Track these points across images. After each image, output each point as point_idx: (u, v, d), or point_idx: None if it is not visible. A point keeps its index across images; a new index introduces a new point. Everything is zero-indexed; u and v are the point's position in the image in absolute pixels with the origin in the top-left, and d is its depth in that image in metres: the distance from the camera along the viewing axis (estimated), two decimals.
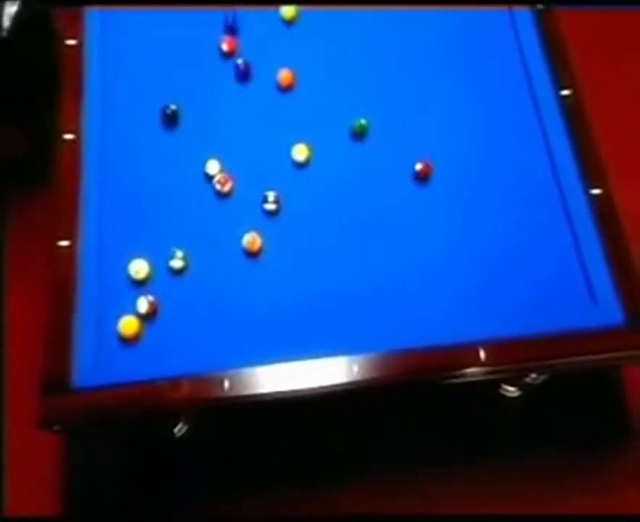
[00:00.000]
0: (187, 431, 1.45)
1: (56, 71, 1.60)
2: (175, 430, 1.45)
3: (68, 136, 1.40)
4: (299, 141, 1.41)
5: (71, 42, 1.51)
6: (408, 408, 1.51)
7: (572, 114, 1.40)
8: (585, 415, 1.58)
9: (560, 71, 1.46)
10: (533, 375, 1.35)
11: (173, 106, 1.44)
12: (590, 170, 1.34)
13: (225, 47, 1.52)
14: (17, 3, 1.61)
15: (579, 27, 1.63)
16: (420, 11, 1.55)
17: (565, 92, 1.42)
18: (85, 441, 1.52)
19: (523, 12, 1.55)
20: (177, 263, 1.29)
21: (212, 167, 1.37)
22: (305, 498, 1.47)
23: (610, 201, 1.31)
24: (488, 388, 1.44)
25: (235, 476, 1.52)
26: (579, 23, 1.67)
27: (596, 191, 1.32)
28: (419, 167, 1.38)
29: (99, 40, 1.53)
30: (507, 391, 1.45)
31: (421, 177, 1.39)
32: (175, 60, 1.53)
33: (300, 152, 1.41)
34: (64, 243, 1.30)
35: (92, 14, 1.55)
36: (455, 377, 1.22)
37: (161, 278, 1.30)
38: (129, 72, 1.52)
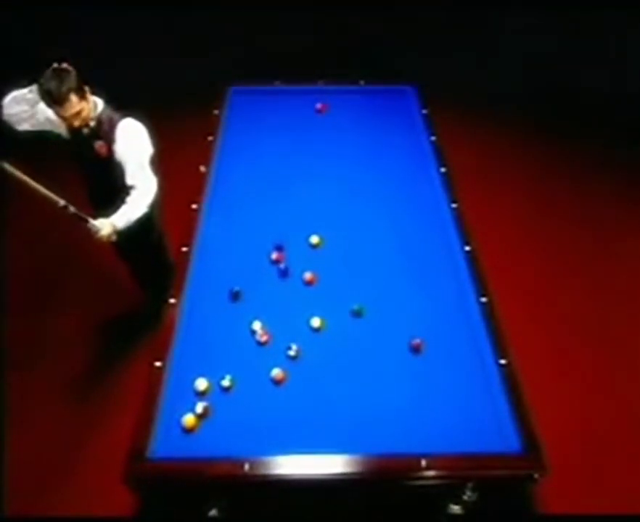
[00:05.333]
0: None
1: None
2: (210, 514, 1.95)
3: (172, 300, 2.23)
4: (315, 315, 2.17)
5: (184, 248, 2.44)
6: None
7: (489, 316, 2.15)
8: None
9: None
10: (468, 493, 1.86)
11: (237, 288, 2.26)
12: (499, 347, 2.04)
13: (274, 257, 2.40)
14: None
15: None
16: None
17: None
18: None
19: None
20: (226, 383, 1.97)
21: (256, 325, 2.13)
22: None
23: (512, 370, 1.98)
24: (438, 505, 1.94)
25: None
26: None
27: (503, 361, 1.99)
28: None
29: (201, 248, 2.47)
30: (452, 509, 1.93)
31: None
32: (243, 262, 2.42)
33: (315, 322, 2.15)
34: (157, 363, 2.02)
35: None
36: (404, 477, 1.78)
37: (215, 391, 1.97)
38: (213, 267, 2.40)
